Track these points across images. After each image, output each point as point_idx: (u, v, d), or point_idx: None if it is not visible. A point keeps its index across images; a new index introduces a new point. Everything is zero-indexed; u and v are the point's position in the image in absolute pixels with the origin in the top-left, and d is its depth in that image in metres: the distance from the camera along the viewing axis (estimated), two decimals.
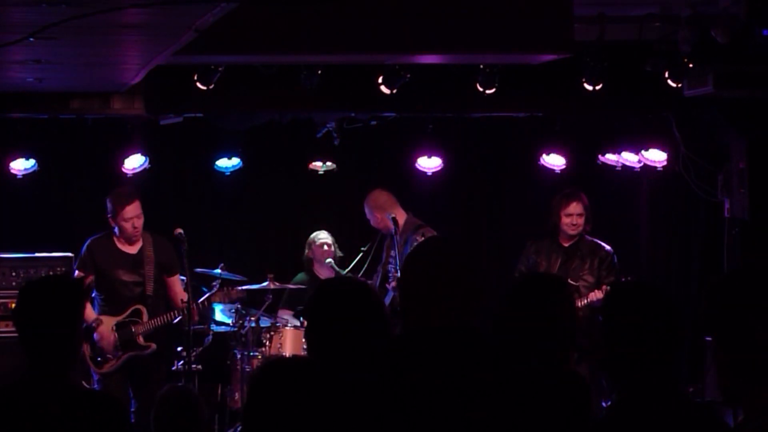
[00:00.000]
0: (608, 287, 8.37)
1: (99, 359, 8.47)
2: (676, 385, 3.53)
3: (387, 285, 9.07)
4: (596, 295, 8.45)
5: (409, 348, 3.29)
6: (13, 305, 4.30)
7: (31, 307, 4.05)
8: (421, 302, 3.36)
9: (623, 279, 8.63)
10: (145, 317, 8.51)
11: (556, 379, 3.95)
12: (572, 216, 8.58)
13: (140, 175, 10.21)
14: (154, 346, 8.54)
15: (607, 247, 8.68)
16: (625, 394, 3.49)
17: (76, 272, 8.53)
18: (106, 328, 8.44)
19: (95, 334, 8.40)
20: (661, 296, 3.56)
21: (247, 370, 9.08)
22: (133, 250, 8.52)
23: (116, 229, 8.50)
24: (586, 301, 8.49)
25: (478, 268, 3.46)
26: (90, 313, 8.36)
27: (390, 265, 9.02)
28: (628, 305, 3.54)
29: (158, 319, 8.53)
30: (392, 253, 8.96)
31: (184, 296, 8.52)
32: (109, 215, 8.51)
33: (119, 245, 8.54)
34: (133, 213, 8.42)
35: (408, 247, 8.55)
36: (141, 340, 8.51)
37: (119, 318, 8.49)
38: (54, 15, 5.47)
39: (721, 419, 3.64)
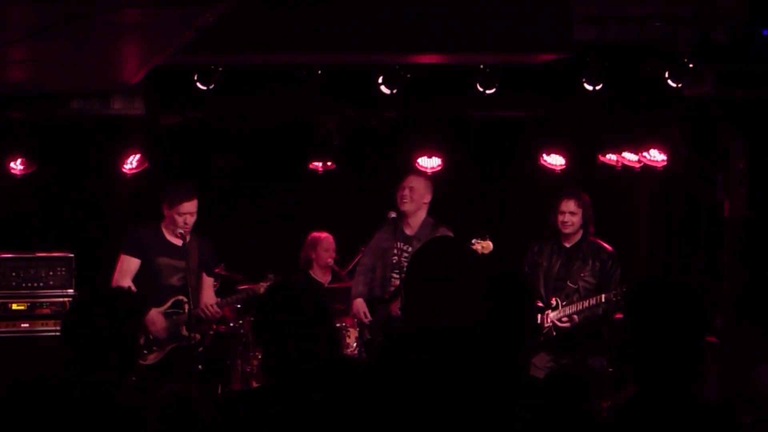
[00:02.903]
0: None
1: (144, 351, 8.43)
2: (689, 384, 3.54)
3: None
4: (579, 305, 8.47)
5: (410, 349, 3.29)
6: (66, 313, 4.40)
7: (91, 320, 4.11)
8: (423, 303, 3.36)
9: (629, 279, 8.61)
10: (187, 308, 8.49)
11: (556, 380, 3.95)
12: (564, 214, 8.56)
13: (140, 175, 10.21)
14: (198, 336, 8.52)
15: (610, 249, 8.66)
16: (639, 391, 3.50)
17: (121, 255, 8.47)
18: (155, 313, 8.40)
19: (146, 321, 8.31)
20: (684, 293, 3.56)
21: (247, 370, 9.06)
22: (179, 242, 8.52)
23: (166, 220, 8.50)
24: (574, 310, 8.46)
25: (482, 269, 3.46)
26: None
27: (396, 258, 8.78)
28: (651, 302, 3.54)
29: (202, 312, 8.52)
30: (401, 245, 8.75)
31: (213, 301, 8.57)
32: (164, 204, 8.51)
33: (167, 235, 8.55)
34: (189, 209, 8.43)
35: None
36: (184, 330, 8.51)
37: (161, 309, 8.46)
38: (54, 15, 5.47)
39: (735, 419, 3.64)
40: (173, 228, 8.47)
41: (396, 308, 8.54)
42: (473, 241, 8.36)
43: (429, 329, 3.31)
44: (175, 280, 8.49)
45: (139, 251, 8.46)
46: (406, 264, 8.55)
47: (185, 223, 8.44)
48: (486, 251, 8.32)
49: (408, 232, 8.79)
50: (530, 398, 3.34)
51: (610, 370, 8.79)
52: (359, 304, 8.83)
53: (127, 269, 8.43)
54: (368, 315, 8.76)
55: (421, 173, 9.11)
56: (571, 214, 8.56)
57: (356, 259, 9.82)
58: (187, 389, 7.34)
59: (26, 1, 5.30)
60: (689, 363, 3.54)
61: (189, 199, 8.45)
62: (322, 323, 4.01)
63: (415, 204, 8.80)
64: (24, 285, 9.34)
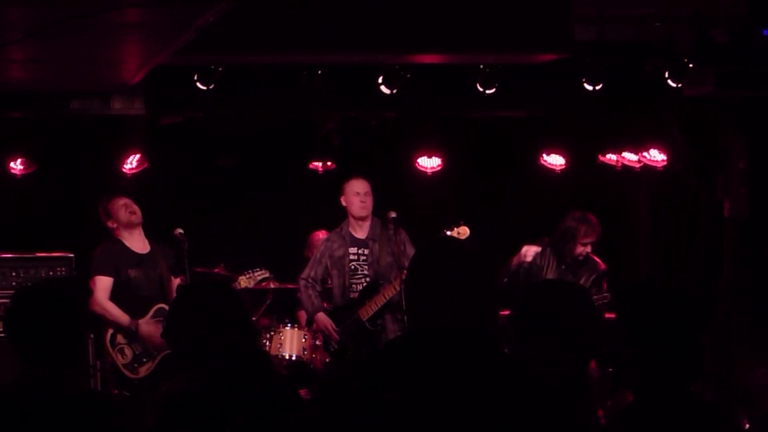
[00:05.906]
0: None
1: (135, 365, 8.43)
2: (687, 385, 3.54)
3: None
4: None
5: (411, 348, 3.29)
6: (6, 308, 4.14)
7: (32, 310, 3.99)
8: (425, 302, 3.36)
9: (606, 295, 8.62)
10: None
11: (556, 381, 3.93)
12: (588, 246, 8.65)
13: (140, 175, 10.22)
14: None
15: (603, 266, 8.72)
16: (638, 395, 3.51)
17: (95, 277, 8.41)
18: (145, 324, 8.38)
19: (141, 334, 8.35)
20: (675, 296, 3.57)
21: None
22: (144, 249, 8.53)
23: (118, 229, 8.50)
24: None
25: (485, 268, 3.46)
26: (123, 315, 8.35)
27: (353, 263, 8.65)
28: (643, 304, 3.55)
29: None
30: (355, 250, 8.64)
31: None
32: (106, 221, 8.53)
33: (130, 246, 8.54)
34: (122, 202, 8.48)
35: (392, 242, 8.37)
36: None
37: (144, 319, 8.44)
38: (54, 15, 5.47)
39: (735, 420, 3.65)
40: (123, 223, 8.47)
41: (364, 313, 8.41)
42: (452, 228, 8.35)
43: (432, 329, 3.30)
44: (150, 289, 8.47)
45: (110, 268, 8.41)
46: (365, 269, 8.50)
47: (127, 207, 8.45)
48: (463, 237, 8.24)
49: (359, 235, 8.59)
50: (532, 399, 3.34)
51: (610, 370, 8.79)
52: (322, 319, 8.60)
53: (104, 288, 8.35)
54: (334, 326, 8.60)
55: (364, 176, 8.82)
56: (591, 245, 8.65)
57: None
58: (188, 388, 7.32)
59: (26, 1, 5.31)
60: (685, 364, 3.55)
61: (118, 197, 8.52)
62: (235, 323, 4.01)
63: (371, 208, 8.63)
64: (24, 285, 9.32)
